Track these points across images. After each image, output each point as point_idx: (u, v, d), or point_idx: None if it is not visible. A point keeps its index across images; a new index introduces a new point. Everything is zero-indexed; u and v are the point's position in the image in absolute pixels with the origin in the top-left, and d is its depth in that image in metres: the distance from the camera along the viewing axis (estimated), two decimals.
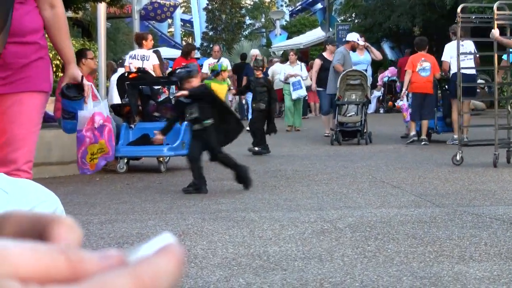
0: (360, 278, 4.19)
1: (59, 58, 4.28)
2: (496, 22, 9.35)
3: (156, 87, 10.32)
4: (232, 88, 15.39)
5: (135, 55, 12.27)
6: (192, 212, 6.42)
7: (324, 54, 14.82)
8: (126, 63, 12.40)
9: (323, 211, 6.37)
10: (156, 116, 9.88)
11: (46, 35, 3.71)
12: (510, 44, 9.60)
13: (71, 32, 3.97)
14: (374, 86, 21.48)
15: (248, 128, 15.49)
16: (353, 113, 13.19)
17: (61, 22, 3.70)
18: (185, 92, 7.51)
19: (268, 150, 11.43)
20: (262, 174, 8.95)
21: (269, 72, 18.84)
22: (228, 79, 13.94)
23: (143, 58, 11.99)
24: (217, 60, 15.80)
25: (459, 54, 9.83)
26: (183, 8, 55.18)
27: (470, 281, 4.09)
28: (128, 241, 5.33)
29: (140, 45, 12.25)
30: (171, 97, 9.88)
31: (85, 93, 4.15)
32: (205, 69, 15.82)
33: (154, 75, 11.18)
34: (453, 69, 12.23)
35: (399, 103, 13.74)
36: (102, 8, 12.84)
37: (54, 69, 13.91)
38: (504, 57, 10.88)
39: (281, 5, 48.37)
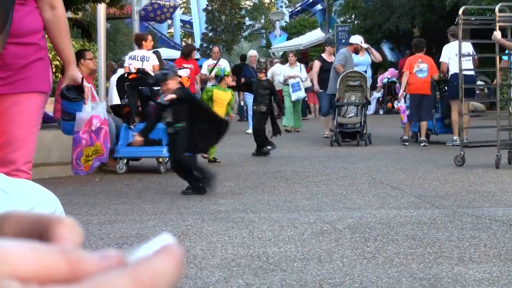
0: (360, 279, 4.19)
1: (59, 58, 4.28)
2: (497, 24, 9.36)
3: (155, 88, 10.31)
4: (233, 84, 15.31)
5: (134, 55, 12.27)
6: (192, 213, 6.42)
7: (323, 55, 14.83)
8: (125, 64, 12.39)
9: (322, 212, 6.37)
10: None
11: (46, 36, 3.71)
12: (511, 47, 9.62)
13: (71, 33, 3.97)
14: (373, 87, 21.48)
15: (248, 131, 15.51)
16: (353, 114, 13.19)
17: (61, 23, 3.70)
18: (173, 96, 7.51)
19: (274, 145, 11.40)
20: (262, 175, 8.95)
21: (269, 73, 18.81)
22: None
23: (142, 59, 11.99)
24: (216, 61, 15.78)
25: (461, 56, 9.84)
26: (183, 9, 55.19)
27: (469, 282, 4.09)
28: (127, 241, 5.33)
29: (140, 46, 12.25)
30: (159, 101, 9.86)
31: (85, 95, 4.15)
32: (204, 70, 15.81)
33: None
34: (452, 70, 12.26)
35: (397, 104, 13.75)
36: (101, 8, 12.84)
37: (54, 69, 13.91)
38: (505, 57, 10.89)
39: (281, 6, 48.37)
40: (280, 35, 36.93)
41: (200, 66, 16.32)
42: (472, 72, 11.85)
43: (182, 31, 53.13)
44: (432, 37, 24.30)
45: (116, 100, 11.32)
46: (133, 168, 9.83)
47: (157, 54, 13.19)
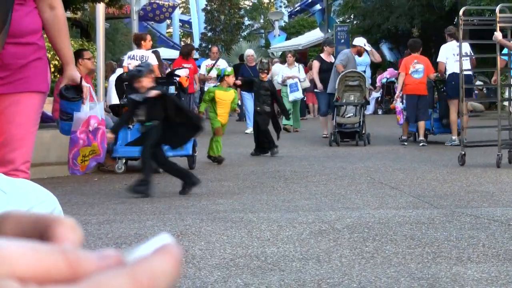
0: (358, 279, 4.20)
1: (58, 58, 4.28)
2: (498, 25, 9.38)
3: None
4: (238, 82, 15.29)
5: (133, 55, 12.26)
6: (190, 213, 6.42)
7: (322, 55, 14.83)
8: (124, 64, 12.39)
9: (321, 212, 6.37)
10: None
11: (45, 36, 3.72)
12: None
13: (70, 33, 3.97)
14: (372, 87, 21.48)
15: (246, 131, 15.50)
16: (352, 114, 13.19)
17: (60, 23, 3.70)
18: (158, 92, 7.52)
19: (277, 146, 11.38)
20: (261, 175, 8.95)
21: None
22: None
23: (142, 59, 11.99)
24: (215, 61, 15.78)
25: (461, 56, 9.86)
26: (182, 9, 55.15)
27: (468, 282, 4.09)
28: (126, 241, 5.33)
29: (139, 46, 12.25)
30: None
31: (83, 95, 4.15)
32: (203, 70, 15.80)
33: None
34: (449, 70, 12.29)
35: (394, 104, 13.77)
36: (100, 8, 12.82)
37: (52, 69, 13.91)
38: (504, 57, 10.89)
39: (280, 6, 48.33)
40: (279, 35, 36.90)
41: (199, 66, 16.32)
42: (469, 72, 11.86)
43: (181, 31, 53.11)
44: (431, 37, 24.30)
45: (115, 100, 11.31)
46: (132, 168, 9.82)
47: (156, 54, 13.19)
